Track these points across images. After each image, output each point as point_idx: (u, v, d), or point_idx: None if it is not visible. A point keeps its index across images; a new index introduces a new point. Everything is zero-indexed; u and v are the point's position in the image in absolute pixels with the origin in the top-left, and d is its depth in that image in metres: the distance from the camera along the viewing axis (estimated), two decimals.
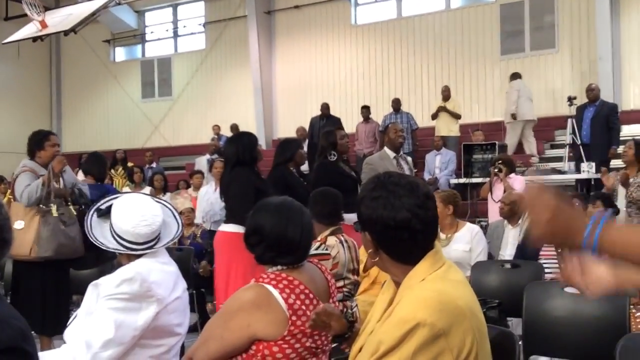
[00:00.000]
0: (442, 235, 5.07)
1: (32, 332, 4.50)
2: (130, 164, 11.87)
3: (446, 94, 11.88)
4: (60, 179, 4.98)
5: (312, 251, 3.85)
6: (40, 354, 2.16)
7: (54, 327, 4.77)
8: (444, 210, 5.01)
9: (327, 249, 3.99)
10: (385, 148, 6.51)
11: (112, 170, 11.68)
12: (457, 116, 11.82)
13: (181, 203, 7.52)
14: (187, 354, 2.35)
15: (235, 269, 4.79)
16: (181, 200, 7.99)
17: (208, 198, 7.50)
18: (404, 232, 1.82)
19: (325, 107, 12.90)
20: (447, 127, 11.71)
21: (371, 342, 1.82)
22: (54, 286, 4.93)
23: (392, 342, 1.71)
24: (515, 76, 11.65)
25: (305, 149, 9.49)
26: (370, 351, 1.78)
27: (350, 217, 5.40)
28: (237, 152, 4.97)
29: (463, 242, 5.02)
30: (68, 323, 2.64)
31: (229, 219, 4.98)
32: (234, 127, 13.44)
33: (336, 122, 12.19)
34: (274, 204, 2.43)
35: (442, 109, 11.68)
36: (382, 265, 1.92)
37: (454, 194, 5.33)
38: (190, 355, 2.32)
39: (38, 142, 5.07)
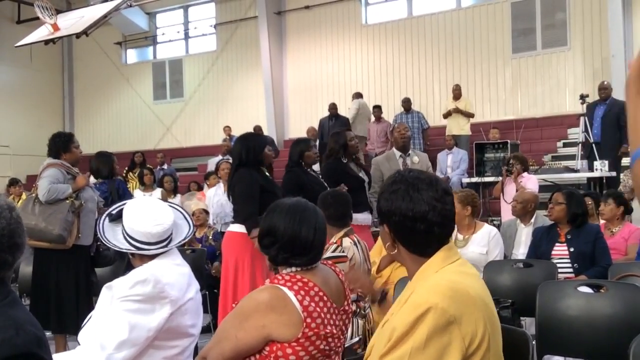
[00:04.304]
0: (459, 237, 5.01)
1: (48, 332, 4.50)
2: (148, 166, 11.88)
3: (457, 93, 11.85)
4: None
5: (329, 254, 3.86)
6: (55, 356, 2.18)
7: (64, 325, 4.83)
8: (462, 211, 4.94)
9: (343, 251, 3.99)
10: (393, 148, 6.65)
11: (131, 173, 11.70)
12: (469, 115, 11.77)
13: (195, 204, 7.52)
14: (201, 353, 2.35)
15: (241, 268, 4.80)
16: (195, 201, 7.98)
17: (218, 200, 7.49)
18: (421, 224, 1.85)
19: (332, 107, 12.89)
20: (458, 126, 11.69)
21: (386, 330, 1.82)
22: (71, 284, 4.99)
23: (405, 327, 1.72)
24: (358, 95, 12.88)
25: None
26: (385, 340, 1.78)
27: (356, 217, 5.43)
28: (240, 153, 4.97)
29: (480, 244, 4.95)
30: (82, 325, 2.66)
31: (236, 219, 5.00)
32: (257, 129, 13.44)
33: (345, 122, 12.19)
34: (288, 204, 2.42)
35: (455, 110, 11.65)
36: (399, 257, 1.95)
37: (472, 194, 5.19)
38: (204, 355, 2.33)
39: (64, 144, 5.15)
